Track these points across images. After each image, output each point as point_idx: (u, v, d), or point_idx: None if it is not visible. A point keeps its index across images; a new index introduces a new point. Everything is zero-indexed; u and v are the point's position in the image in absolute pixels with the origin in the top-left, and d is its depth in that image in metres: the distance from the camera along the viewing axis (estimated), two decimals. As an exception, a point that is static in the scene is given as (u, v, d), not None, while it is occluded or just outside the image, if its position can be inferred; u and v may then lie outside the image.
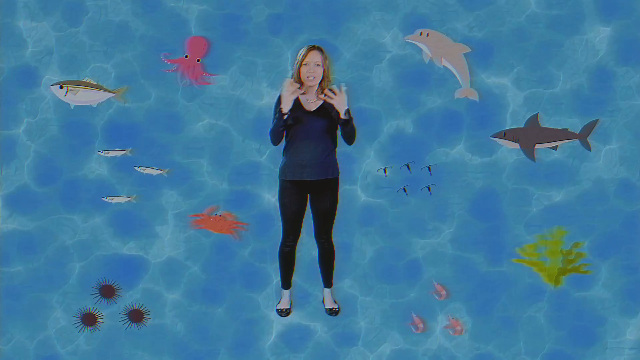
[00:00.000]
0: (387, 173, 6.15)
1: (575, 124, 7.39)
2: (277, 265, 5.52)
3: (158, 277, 7.43)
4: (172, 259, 7.44)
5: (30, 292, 7.43)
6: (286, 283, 4.93)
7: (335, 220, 4.54)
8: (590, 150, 7.23)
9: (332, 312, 5.03)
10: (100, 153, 6.96)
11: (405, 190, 6.18)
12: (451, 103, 7.37)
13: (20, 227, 7.46)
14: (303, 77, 4.21)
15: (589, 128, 7.31)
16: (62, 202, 7.45)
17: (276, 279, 6.73)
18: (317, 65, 4.27)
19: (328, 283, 4.84)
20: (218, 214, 6.65)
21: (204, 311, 7.40)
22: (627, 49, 7.42)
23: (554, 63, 7.43)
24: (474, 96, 7.19)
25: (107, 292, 6.80)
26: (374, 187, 6.25)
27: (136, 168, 6.73)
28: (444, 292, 6.72)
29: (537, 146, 7.32)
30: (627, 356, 7.35)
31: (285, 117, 3.97)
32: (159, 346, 7.39)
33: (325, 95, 4.00)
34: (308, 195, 4.39)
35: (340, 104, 3.99)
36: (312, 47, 4.31)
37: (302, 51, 4.32)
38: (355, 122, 4.09)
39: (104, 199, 6.98)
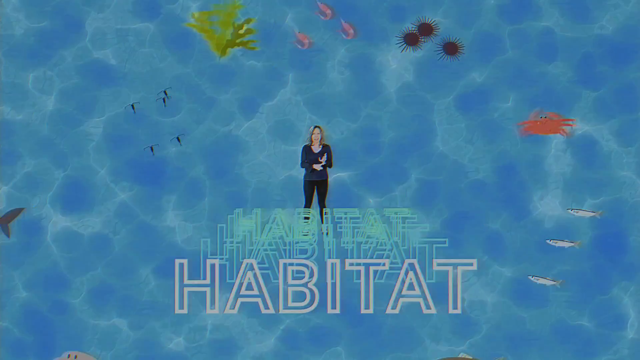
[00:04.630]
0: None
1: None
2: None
3: (156, 276, 7.48)
4: (171, 258, 7.48)
5: (30, 292, 7.42)
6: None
7: (326, 197, 7.65)
8: (9, 237, 7.27)
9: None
10: (569, 211, 6.99)
11: (152, 149, 7.47)
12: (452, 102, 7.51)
13: (20, 227, 7.47)
14: (313, 138, 7.58)
15: (11, 215, 7.34)
16: (61, 202, 7.47)
17: (277, 280, 7.51)
18: (318, 133, 7.56)
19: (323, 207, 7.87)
20: (543, 116, 6.90)
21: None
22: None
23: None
24: None
25: (451, 49, 7.25)
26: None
27: (530, 278, 7.04)
28: (329, 11, 7.28)
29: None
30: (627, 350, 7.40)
31: (307, 162, 7.58)
32: (158, 347, 7.46)
33: (322, 147, 7.61)
34: (315, 186, 7.68)
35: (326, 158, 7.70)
36: (317, 126, 7.59)
37: (311, 128, 7.59)
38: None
39: (548, 241, 7.09)
